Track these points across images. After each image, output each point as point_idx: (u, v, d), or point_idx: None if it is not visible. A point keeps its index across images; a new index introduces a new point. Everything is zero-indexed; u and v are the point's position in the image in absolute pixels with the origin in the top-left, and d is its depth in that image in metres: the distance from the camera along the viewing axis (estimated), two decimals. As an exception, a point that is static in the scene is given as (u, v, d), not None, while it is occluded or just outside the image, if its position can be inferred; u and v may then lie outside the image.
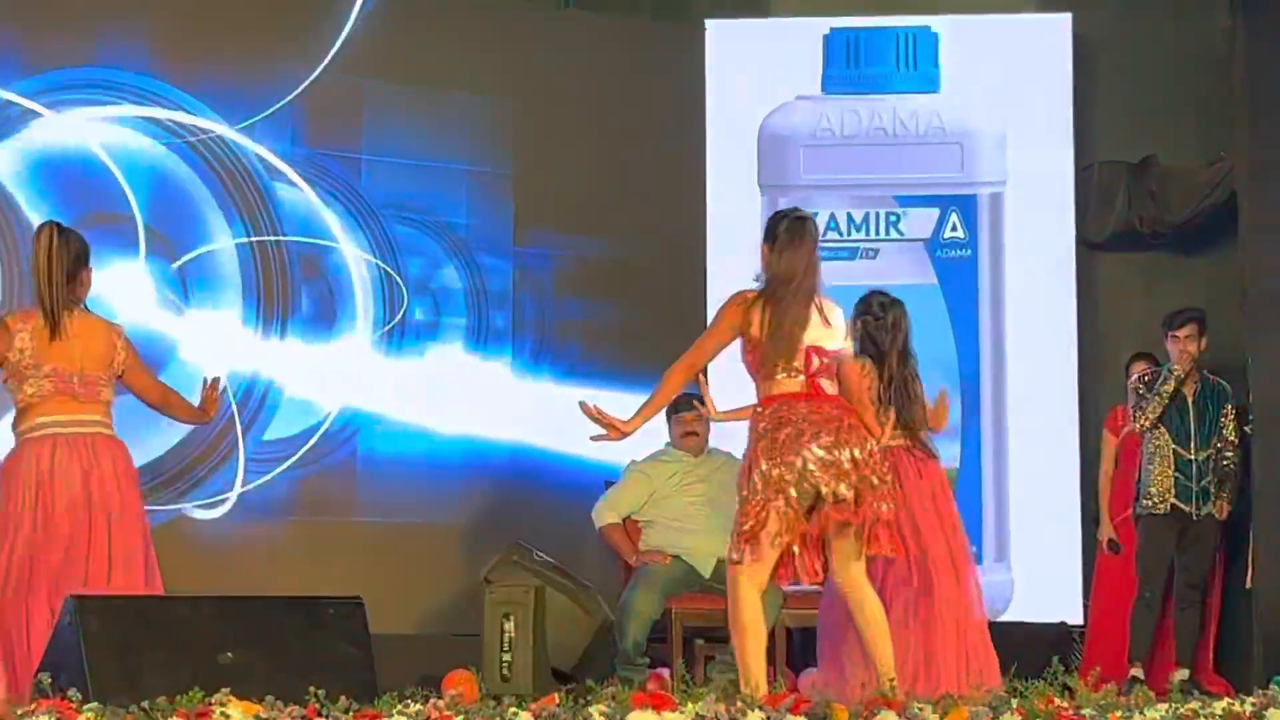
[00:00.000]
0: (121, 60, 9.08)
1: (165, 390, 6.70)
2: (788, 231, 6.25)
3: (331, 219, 9.52)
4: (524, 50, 9.96)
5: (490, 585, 8.39)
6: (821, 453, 6.02)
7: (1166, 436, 8.80)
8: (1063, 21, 10.22)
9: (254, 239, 9.33)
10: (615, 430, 6.14)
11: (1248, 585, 8.87)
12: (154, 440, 8.89)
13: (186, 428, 8.91)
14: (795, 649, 8.51)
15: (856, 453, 6.05)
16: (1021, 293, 10.04)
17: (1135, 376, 9.02)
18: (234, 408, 9.12)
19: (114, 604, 5.49)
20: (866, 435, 6.11)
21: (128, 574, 6.14)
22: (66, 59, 8.97)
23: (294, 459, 9.33)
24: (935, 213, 10.06)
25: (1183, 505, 8.78)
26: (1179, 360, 8.80)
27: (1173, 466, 8.79)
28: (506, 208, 9.90)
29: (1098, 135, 10.29)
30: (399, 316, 9.64)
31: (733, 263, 9.99)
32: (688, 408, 8.45)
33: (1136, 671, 8.64)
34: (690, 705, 4.69)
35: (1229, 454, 8.83)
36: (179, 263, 9.14)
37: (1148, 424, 8.77)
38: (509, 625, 7.84)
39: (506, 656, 7.86)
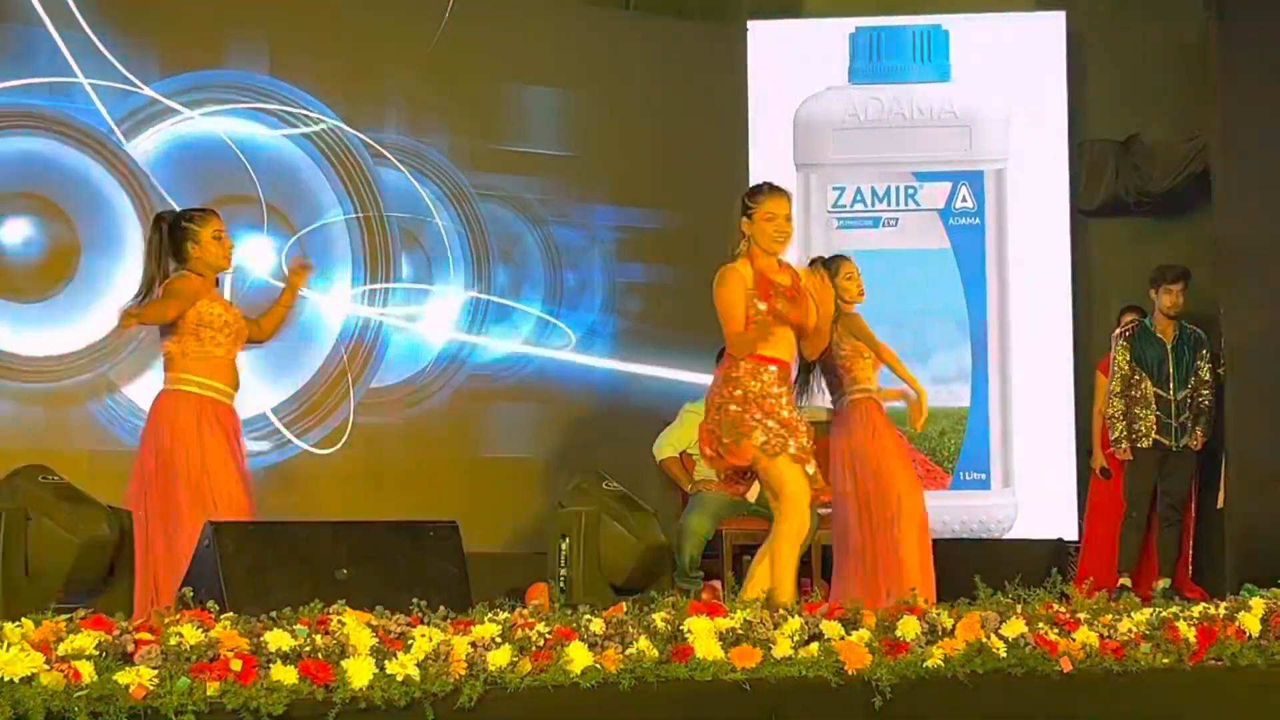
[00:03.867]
0: (246, 63, 9.11)
1: None
2: None
3: (426, 196, 9.53)
4: (591, 48, 9.95)
5: (557, 511, 8.39)
6: None
7: (1148, 382, 8.75)
8: (1057, 18, 10.17)
9: (360, 215, 9.35)
10: None
11: (1219, 506, 8.83)
12: (279, 386, 8.96)
13: (308, 376, 9.00)
14: (830, 564, 8.51)
15: None
16: (1023, 254, 10.01)
17: (1118, 330, 8.99)
18: (345, 360, 9.17)
19: (246, 528, 5.51)
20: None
21: None
22: (200, 62, 9.01)
23: (397, 402, 9.37)
24: (947, 186, 10.02)
25: (1163, 439, 8.73)
26: (1172, 309, 8.76)
27: (1155, 408, 8.75)
28: (576, 185, 9.89)
29: (1088, 117, 10.23)
30: (485, 279, 9.65)
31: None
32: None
33: (1125, 581, 8.62)
34: (739, 612, 4.70)
35: (1204, 392, 8.78)
36: (298, 235, 9.17)
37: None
38: (564, 545, 7.79)
39: (563, 571, 7.83)
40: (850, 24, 10.14)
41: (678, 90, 10.03)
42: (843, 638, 4.69)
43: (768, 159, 10.01)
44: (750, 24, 10.24)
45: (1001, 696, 4.82)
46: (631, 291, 9.97)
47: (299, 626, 4.21)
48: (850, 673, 4.60)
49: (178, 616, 4.20)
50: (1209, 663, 5.21)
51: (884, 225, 9.92)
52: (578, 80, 9.90)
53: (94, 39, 8.63)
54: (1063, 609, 5.13)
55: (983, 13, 10.16)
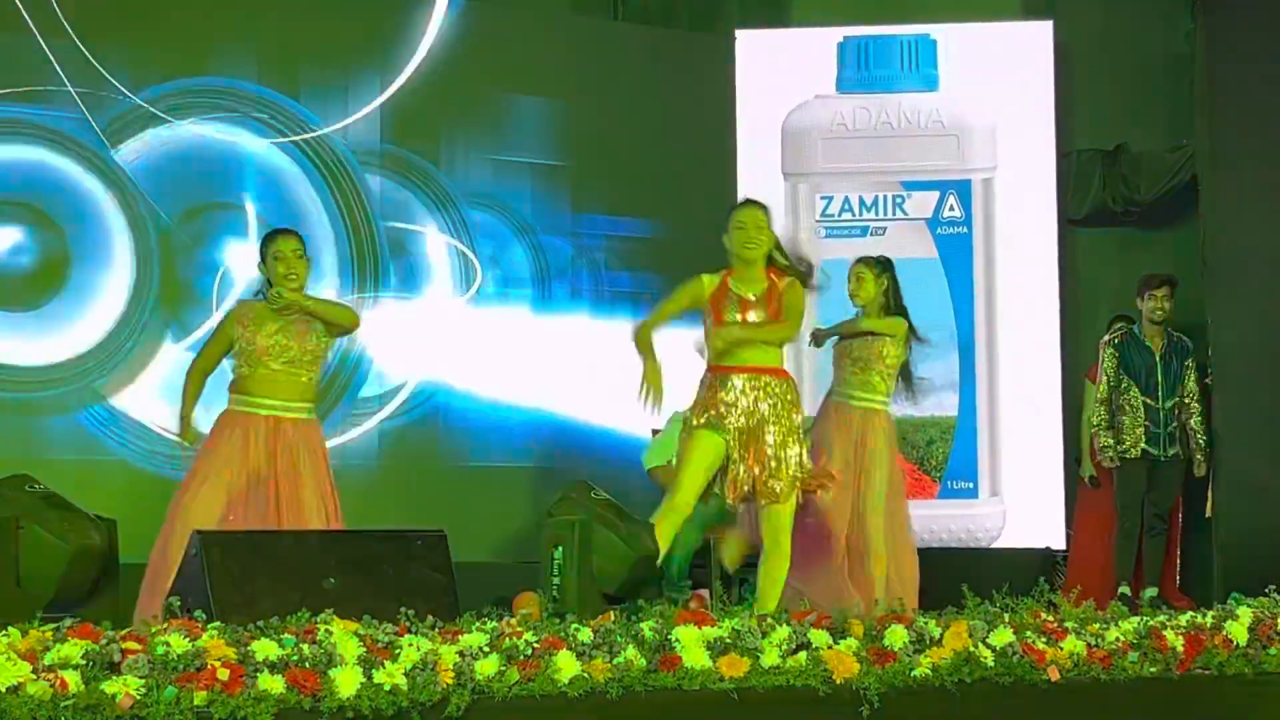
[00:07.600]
0: (234, 71, 9.10)
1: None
2: None
3: (415, 206, 9.53)
4: (579, 57, 9.96)
5: (548, 520, 8.38)
6: None
7: (1136, 390, 8.75)
8: (1045, 27, 10.19)
9: (348, 224, 9.35)
10: None
11: (1207, 516, 8.83)
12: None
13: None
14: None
15: None
16: (1011, 263, 10.02)
17: (1107, 337, 8.99)
18: (332, 370, 9.15)
19: (233, 538, 5.50)
20: None
21: None
22: (187, 70, 9.00)
23: (384, 413, 9.36)
24: (935, 195, 10.03)
25: (1152, 450, 8.73)
26: (1157, 315, 8.76)
27: (1143, 417, 8.74)
28: (565, 194, 9.90)
29: (1076, 126, 10.25)
30: (474, 288, 9.65)
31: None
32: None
33: (1125, 590, 8.59)
34: (726, 621, 4.70)
35: (1195, 406, 8.75)
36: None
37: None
38: (557, 554, 7.77)
39: (556, 580, 7.81)
40: (838, 33, 10.15)
41: (665, 99, 10.05)
42: (830, 646, 4.69)
43: (755, 168, 10.03)
44: (738, 33, 10.25)
45: (989, 706, 4.83)
46: (619, 300, 9.97)
47: (286, 636, 4.21)
48: (838, 682, 4.60)
49: (165, 626, 4.20)
50: (1196, 672, 5.23)
51: (872, 234, 9.93)
52: (566, 89, 9.92)
53: (81, 48, 8.63)
54: (1050, 618, 5.14)
55: (971, 22, 10.17)
